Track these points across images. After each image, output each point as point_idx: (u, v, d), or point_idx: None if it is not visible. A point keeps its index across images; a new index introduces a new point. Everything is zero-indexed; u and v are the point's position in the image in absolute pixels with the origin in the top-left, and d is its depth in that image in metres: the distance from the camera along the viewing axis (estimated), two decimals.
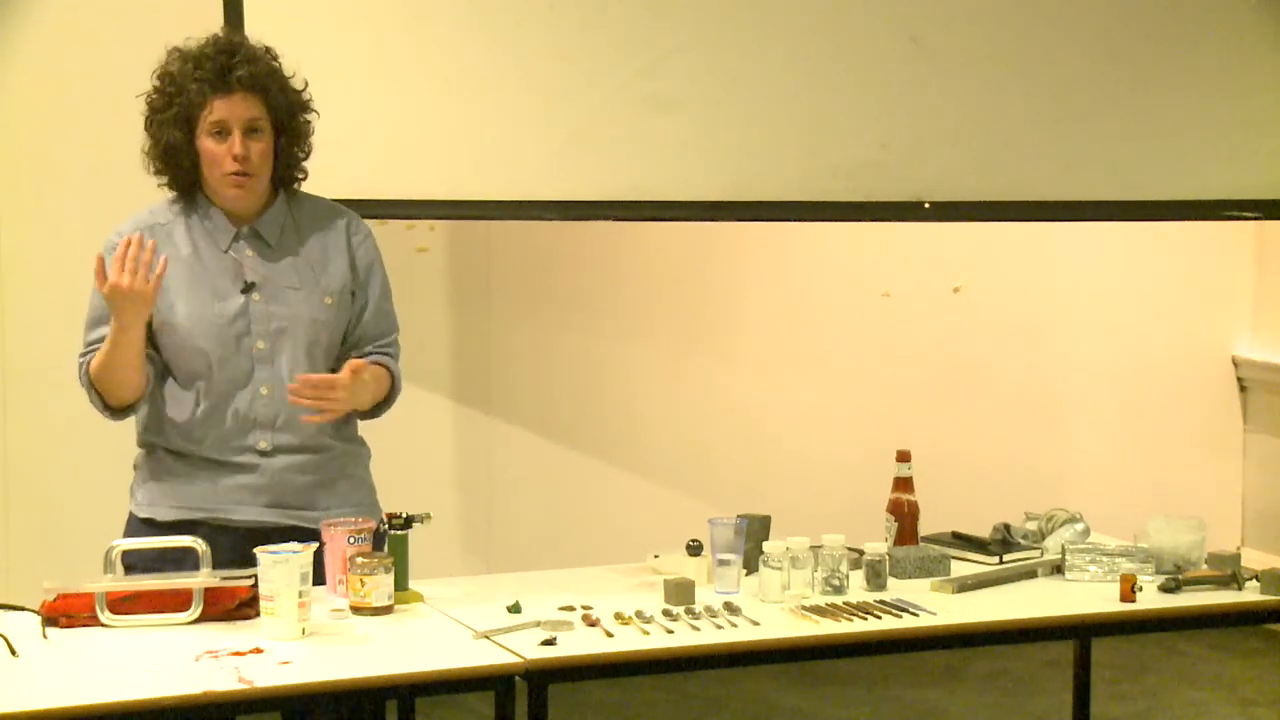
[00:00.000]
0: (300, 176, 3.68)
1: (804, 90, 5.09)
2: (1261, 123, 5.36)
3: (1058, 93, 5.25)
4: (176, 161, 3.56)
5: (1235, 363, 6.74)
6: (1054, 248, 6.51)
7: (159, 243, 3.52)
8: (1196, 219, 5.71)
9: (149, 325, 3.53)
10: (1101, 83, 5.26)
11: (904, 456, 3.92)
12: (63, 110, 5.33)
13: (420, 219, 5.53)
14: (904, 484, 3.91)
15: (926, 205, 5.20)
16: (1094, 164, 5.27)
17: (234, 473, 3.57)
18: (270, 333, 3.57)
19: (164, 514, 3.59)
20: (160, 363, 3.59)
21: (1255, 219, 5.68)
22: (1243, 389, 6.75)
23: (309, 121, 3.66)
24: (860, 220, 5.43)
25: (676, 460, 6.16)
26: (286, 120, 3.60)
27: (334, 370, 3.61)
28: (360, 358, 3.61)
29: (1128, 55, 5.29)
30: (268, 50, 3.62)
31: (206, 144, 3.54)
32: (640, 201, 5.01)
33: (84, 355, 3.58)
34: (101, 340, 3.52)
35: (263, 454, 3.57)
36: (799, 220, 5.51)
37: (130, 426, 3.70)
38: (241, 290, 3.57)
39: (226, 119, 3.52)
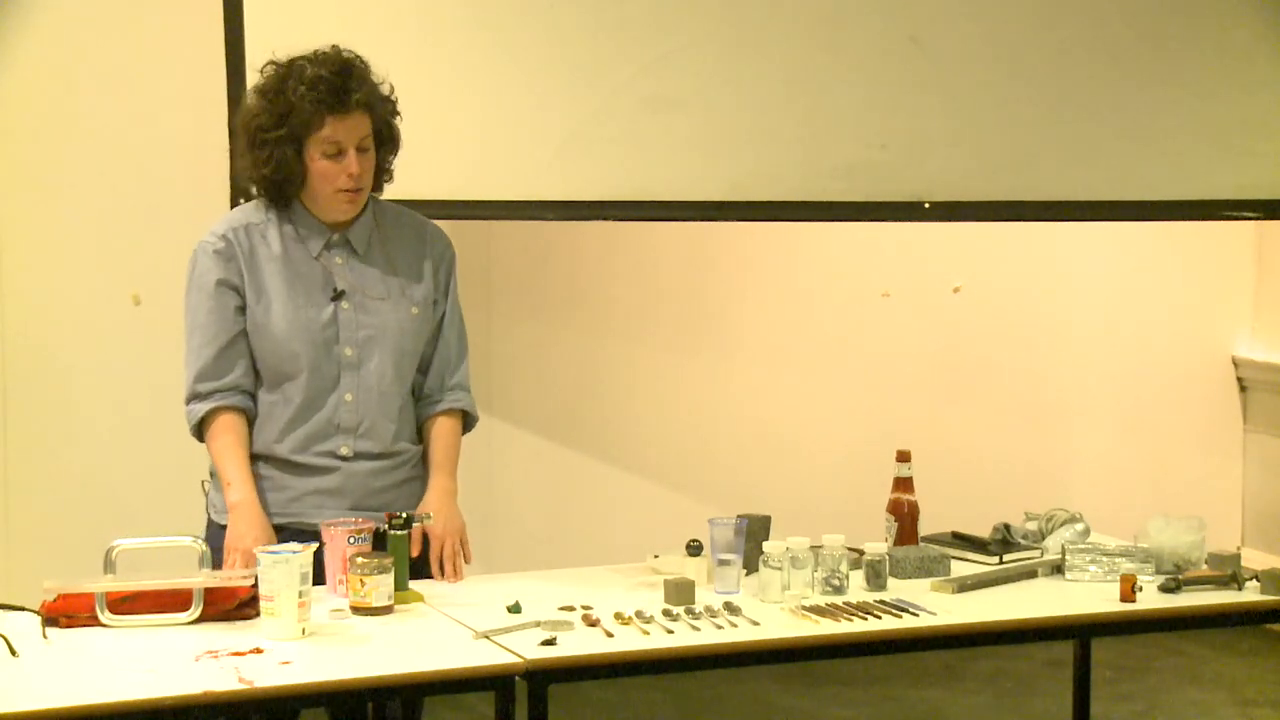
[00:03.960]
0: (386, 181, 3.71)
1: (804, 90, 5.09)
2: (1261, 123, 5.35)
3: (1057, 93, 5.24)
4: (284, 177, 3.56)
5: (1235, 363, 6.74)
6: (1054, 248, 6.51)
7: (254, 241, 3.59)
8: (1196, 219, 5.71)
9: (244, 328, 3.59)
10: (1101, 83, 5.26)
11: (904, 456, 3.92)
12: (63, 109, 5.32)
13: None
14: (904, 484, 3.91)
15: (926, 205, 5.19)
16: (1094, 164, 5.26)
17: (314, 475, 3.60)
18: (358, 340, 3.61)
19: None
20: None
21: (1255, 219, 5.68)
22: (1243, 389, 6.75)
23: (398, 127, 3.68)
24: (860, 220, 5.43)
25: (676, 460, 6.15)
26: (385, 132, 3.64)
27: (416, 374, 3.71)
28: (434, 406, 3.71)
29: (1128, 55, 5.28)
30: (365, 63, 3.62)
31: (319, 162, 3.55)
32: (640, 201, 5.01)
33: (200, 401, 3.59)
34: (217, 369, 3.57)
35: (343, 459, 3.61)
36: (799, 220, 5.51)
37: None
38: (331, 298, 3.60)
39: (342, 140, 3.54)
